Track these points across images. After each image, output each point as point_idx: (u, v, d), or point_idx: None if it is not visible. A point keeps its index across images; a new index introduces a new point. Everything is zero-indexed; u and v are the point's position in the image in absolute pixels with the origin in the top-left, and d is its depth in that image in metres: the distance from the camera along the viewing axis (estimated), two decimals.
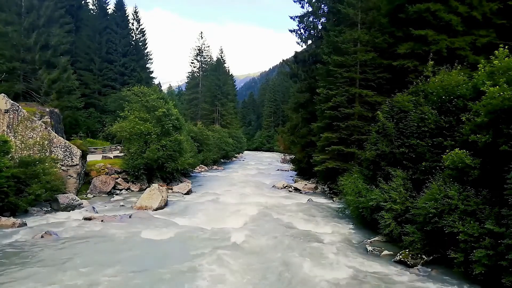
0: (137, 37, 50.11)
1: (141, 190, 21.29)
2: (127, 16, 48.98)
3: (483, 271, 7.82)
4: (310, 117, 25.94)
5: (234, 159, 61.07)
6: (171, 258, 9.78)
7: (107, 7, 49.15)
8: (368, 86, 20.09)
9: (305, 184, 25.76)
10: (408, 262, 9.63)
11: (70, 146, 18.62)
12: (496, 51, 9.91)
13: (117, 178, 21.81)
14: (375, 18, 20.12)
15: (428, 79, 13.23)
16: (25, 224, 12.65)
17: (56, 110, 23.50)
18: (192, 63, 69.65)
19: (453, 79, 11.87)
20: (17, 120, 17.32)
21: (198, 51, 68.99)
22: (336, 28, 22.09)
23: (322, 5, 28.09)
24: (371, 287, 8.37)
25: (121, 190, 21.32)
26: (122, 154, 25.50)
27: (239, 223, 14.27)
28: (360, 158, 15.98)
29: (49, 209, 15.40)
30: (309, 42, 29.83)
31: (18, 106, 17.61)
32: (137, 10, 50.36)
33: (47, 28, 28.86)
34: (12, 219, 12.57)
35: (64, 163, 18.23)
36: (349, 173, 16.27)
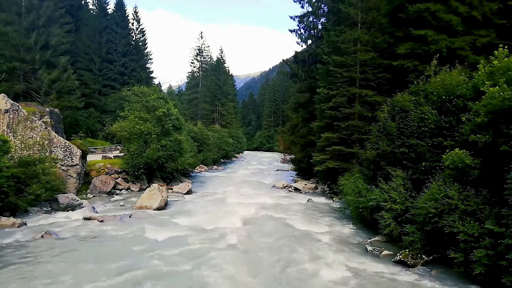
0: (137, 37, 50.13)
1: (141, 190, 21.30)
2: (127, 16, 48.99)
3: (483, 271, 7.81)
4: (310, 117, 25.96)
5: (234, 159, 61.06)
6: (171, 258, 9.77)
7: (107, 7, 49.17)
8: (368, 86, 20.10)
9: (305, 184, 25.76)
10: (408, 262, 9.63)
11: (70, 146, 18.63)
12: (496, 51, 9.91)
13: (117, 178, 21.82)
14: (375, 18, 20.12)
15: (429, 79, 13.24)
16: (25, 224, 12.66)
17: (56, 110, 23.53)
18: (192, 63, 69.69)
19: (454, 79, 11.88)
20: (17, 120, 17.32)
21: (198, 51, 69.00)
22: (336, 28, 22.08)
23: (322, 5, 28.12)
24: (371, 287, 8.37)
25: (121, 190, 21.33)
26: (122, 154, 25.52)
27: (239, 223, 14.29)
28: (360, 158, 15.99)
29: (49, 209, 15.42)
30: (309, 42, 29.87)
31: (18, 106, 17.63)
32: (137, 10, 50.45)
33: (47, 28, 28.86)
34: (12, 219, 12.58)
35: (64, 163, 18.24)
36: (349, 173, 16.27)
